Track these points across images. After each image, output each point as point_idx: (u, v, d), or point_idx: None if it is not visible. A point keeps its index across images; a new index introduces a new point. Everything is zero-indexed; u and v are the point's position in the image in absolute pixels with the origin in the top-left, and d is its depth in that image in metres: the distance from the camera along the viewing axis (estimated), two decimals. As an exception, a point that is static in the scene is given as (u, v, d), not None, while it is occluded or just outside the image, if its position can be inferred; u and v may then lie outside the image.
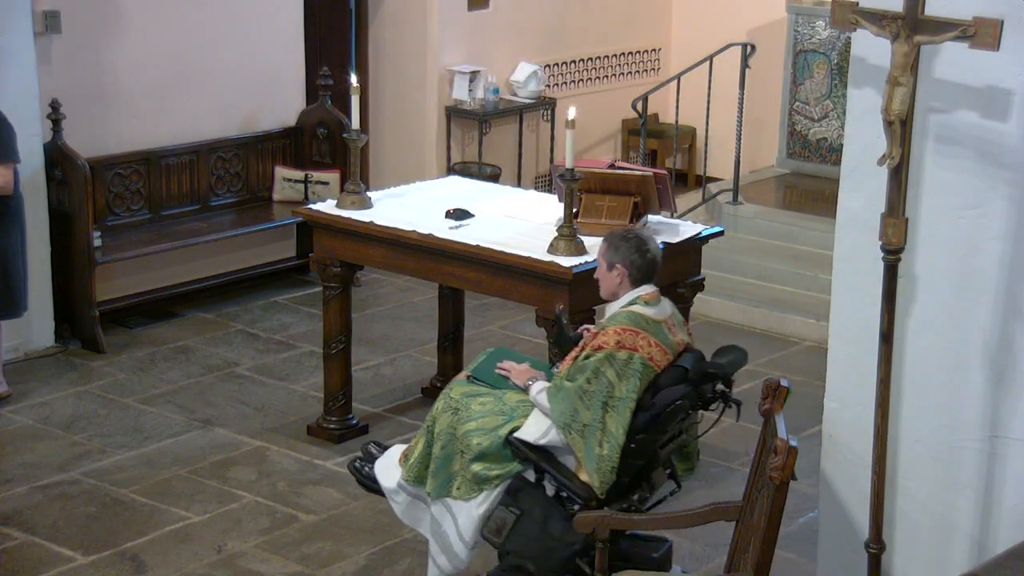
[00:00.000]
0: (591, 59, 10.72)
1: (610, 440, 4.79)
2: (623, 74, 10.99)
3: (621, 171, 6.34)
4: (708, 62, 9.21)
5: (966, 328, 4.42)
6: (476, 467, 4.94)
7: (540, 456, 4.91)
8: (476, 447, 4.94)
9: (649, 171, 6.39)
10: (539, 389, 4.96)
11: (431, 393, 7.30)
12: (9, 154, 6.91)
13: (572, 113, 5.97)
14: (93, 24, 8.00)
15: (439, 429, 5.06)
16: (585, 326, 5.39)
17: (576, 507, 4.86)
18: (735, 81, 9.19)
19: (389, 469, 5.23)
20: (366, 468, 5.36)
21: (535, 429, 4.91)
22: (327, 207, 6.66)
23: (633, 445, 4.81)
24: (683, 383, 4.86)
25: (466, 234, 6.24)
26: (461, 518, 5.01)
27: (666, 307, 5.03)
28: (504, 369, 5.19)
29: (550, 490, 4.96)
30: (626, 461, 4.82)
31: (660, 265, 5.05)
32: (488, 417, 4.99)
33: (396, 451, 5.28)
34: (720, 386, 5.02)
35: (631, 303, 4.95)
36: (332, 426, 6.82)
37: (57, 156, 7.62)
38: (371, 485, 5.32)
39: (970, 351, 4.42)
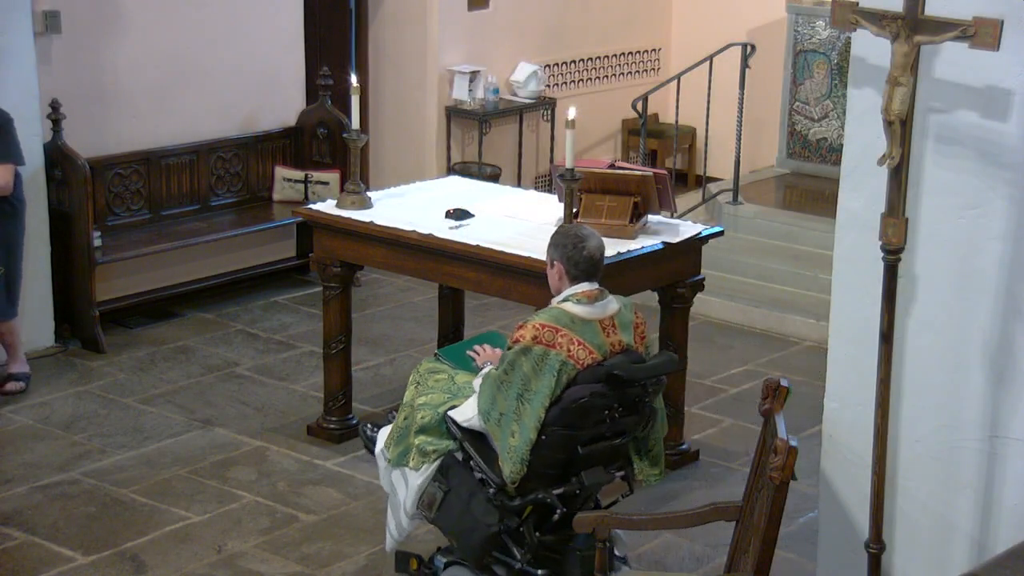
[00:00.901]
0: (591, 59, 10.72)
1: (522, 432, 4.81)
2: (623, 74, 10.99)
3: (621, 171, 6.34)
4: (708, 62, 9.21)
5: (966, 328, 4.42)
6: (419, 440, 5.08)
7: (466, 437, 4.99)
8: (420, 420, 5.07)
9: (649, 171, 6.39)
10: (480, 375, 5.06)
11: (431, 393, 7.31)
12: (11, 155, 6.94)
13: (572, 113, 5.98)
14: (93, 24, 8.00)
15: (405, 400, 5.21)
16: None
17: (491, 491, 4.94)
18: (735, 81, 9.19)
19: (385, 435, 5.36)
20: (373, 432, 5.50)
21: (468, 411, 5.00)
22: (327, 207, 6.66)
23: (544, 437, 4.81)
24: (597, 382, 4.83)
25: (466, 234, 6.24)
26: (409, 488, 5.16)
27: (608, 306, 4.92)
28: (474, 352, 5.30)
29: (478, 472, 5.04)
30: (541, 453, 4.83)
31: (600, 263, 4.97)
32: (436, 394, 5.11)
33: None
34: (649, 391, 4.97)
35: (564, 300, 4.94)
36: (332, 426, 6.82)
37: (57, 156, 7.62)
38: (373, 448, 5.48)
39: (970, 351, 4.42)
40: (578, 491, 4.97)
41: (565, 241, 4.99)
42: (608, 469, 5.00)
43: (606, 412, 4.83)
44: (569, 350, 4.80)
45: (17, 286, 7.19)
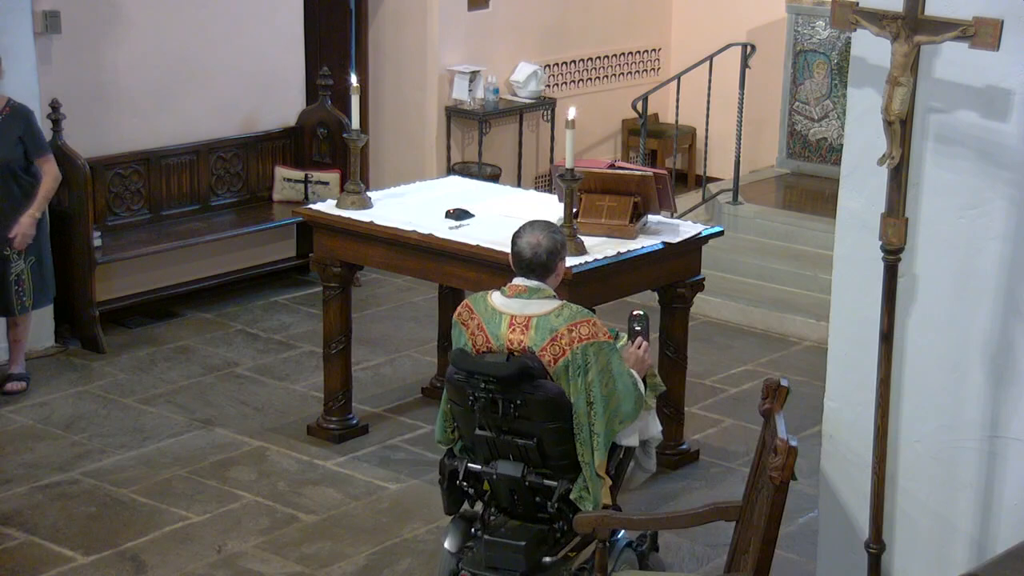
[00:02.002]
0: (591, 59, 10.72)
1: (443, 399, 5.07)
2: (623, 74, 10.99)
3: (621, 171, 6.34)
4: (708, 62, 9.21)
5: (966, 328, 4.42)
6: None
7: None
8: None
9: (649, 171, 6.38)
10: None
11: (431, 393, 7.31)
12: (48, 146, 7.22)
13: (572, 113, 5.98)
14: (93, 24, 8.01)
15: None
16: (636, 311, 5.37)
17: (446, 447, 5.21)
18: (735, 81, 9.19)
19: None
20: None
21: None
22: (327, 207, 6.66)
23: (448, 406, 5.05)
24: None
25: (466, 234, 6.24)
26: None
27: (529, 306, 4.87)
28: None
29: None
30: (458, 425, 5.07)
31: (532, 262, 4.92)
32: None
33: None
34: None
35: (500, 288, 5.02)
36: (332, 426, 6.82)
37: (57, 156, 7.59)
38: None
39: (970, 351, 4.42)
40: (494, 477, 4.95)
41: (515, 234, 5.04)
42: (533, 470, 4.93)
43: (470, 399, 4.87)
44: (473, 332, 4.93)
45: (51, 273, 7.32)
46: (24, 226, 7.03)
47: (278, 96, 8.95)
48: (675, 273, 6.43)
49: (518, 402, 4.81)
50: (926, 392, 4.54)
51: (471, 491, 5.08)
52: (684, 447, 6.71)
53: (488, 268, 6.13)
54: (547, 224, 5.05)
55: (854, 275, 4.63)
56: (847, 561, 4.76)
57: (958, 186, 4.35)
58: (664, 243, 6.25)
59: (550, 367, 4.83)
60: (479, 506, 5.15)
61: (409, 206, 6.68)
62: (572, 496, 4.89)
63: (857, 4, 4.21)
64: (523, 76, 10.00)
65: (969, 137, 4.30)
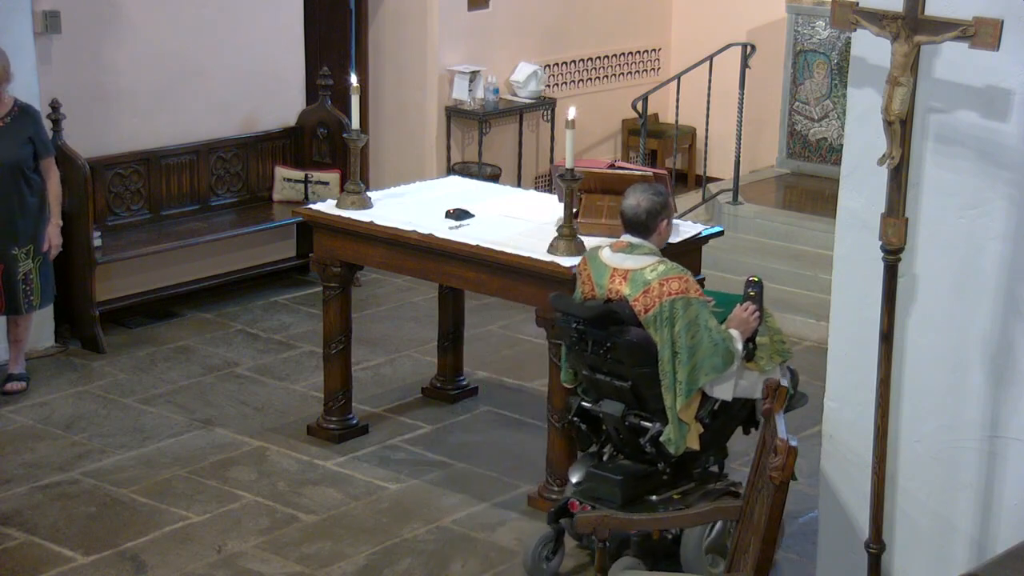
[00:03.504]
0: (591, 59, 10.72)
1: None
2: (623, 74, 10.99)
3: (621, 171, 6.34)
4: (708, 62, 9.21)
5: (966, 328, 4.42)
6: None
7: None
8: None
9: (649, 171, 6.38)
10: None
11: (431, 393, 7.31)
12: (53, 148, 7.27)
13: (572, 113, 5.98)
14: (93, 24, 8.00)
15: None
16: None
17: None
18: (735, 81, 9.19)
19: None
20: None
21: None
22: (327, 207, 6.66)
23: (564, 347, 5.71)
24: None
25: (466, 234, 6.24)
26: None
27: (626, 261, 5.40)
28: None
29: None
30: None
31: (633, 220, 5.43)
32: None
33: None
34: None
35: (610, 244, 5.55)
36: (332, 426, 6.82)
37: (57, 156, 7.60)
38: None
39: (970, 351, 4.43)
40: (600, 416, 5.54)
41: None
42: (634, 411, 5.43)
43: (572, 338, 5.46)
44: (583, 282, 5.55)
45: (52, 273, 7.35)
46: (54, 236, 7.25)
47: (278, 96, 8.95)
48: (675, 273, 6.43)
49: (607, 344, 5.35)
50: (926, 392, 4.54)
51: (583, 427, 5.61)
52: (684, 447, 6.71)
53: (488, 268, 6.13)
54: (651, 187, 5.59)
55: (854, 275, 4.63)
56: (847, 561, 4.76)
57: (958, 186, 4.35)
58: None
59: (641, 316, 5.33)
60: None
61: (409, 206, 6.68)
62: (661, 439, 5.35)
63: (857, 4, 4.21)
64: (523, 76, 10.00)
65: (969, 137, 4.30)
